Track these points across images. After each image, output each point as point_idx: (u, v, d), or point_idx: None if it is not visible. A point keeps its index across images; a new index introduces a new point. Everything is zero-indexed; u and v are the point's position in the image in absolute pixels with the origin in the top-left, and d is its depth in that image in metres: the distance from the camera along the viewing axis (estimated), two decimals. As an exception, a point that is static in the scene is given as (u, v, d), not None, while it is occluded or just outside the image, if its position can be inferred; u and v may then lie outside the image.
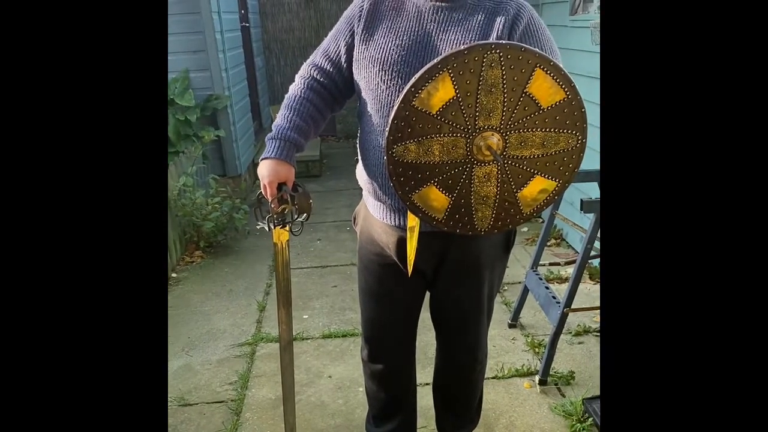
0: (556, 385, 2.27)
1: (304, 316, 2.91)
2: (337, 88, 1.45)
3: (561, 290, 2.42)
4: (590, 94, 3.21)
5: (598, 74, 2.66)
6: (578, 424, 2.02)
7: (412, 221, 1.34)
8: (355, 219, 1.64)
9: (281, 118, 1.42)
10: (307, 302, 3.04)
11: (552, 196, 1.29)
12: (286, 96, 1.45)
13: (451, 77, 1.15)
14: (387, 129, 1.19)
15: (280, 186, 1.40)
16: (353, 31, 1.36)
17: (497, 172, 1.24)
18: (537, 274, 2.52)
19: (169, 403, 2.27)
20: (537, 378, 2.26)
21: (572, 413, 2.07)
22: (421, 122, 1.18)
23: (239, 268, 3.52)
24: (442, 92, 1.16)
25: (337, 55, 1.40)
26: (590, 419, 2.02)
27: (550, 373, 2.28)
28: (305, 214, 1.44)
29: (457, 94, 1.16)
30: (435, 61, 1.15)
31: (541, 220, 4.00)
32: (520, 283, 2.85)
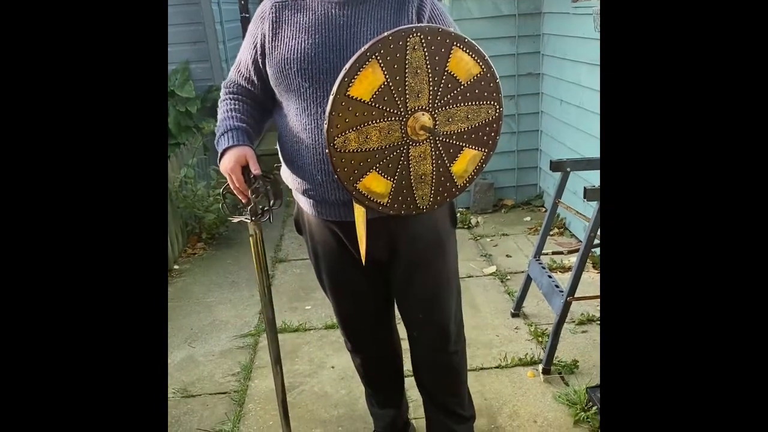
0: (559, 374, 2.27)
1: (307, 307, 2.91)
2: (259, 98, 1.49)
3: (564, 279, 2.40)
4: (594, 81, 3.20)
5: (601, 61, 2.63)
6: (582, 413, 2.01)
7: (358, 210, 1.36)
8: (298, 226, 1.64)
9: (221, 120, 1.45)
10: (309, 293, 3.04)
11: (480, 165, 1.38)
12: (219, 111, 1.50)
13: (380, 63, 1.20)
14: (326, 122, 1.21)
15: (246, 173, 1.38)
16: (257, 45, 1.40)
17: (431, 150, 1.31)
18: (540, 263, 2.51)
19: (172, 395, 2.28)
20: (540, 367, 2.26)
21: (576, 402, 2.06)
22: (357, 111, 1.23)
23: (241, 260, 3.52)
24: (373, 78, 1.21)
25: (248, 71, 1.45)
26: (594, 408, 2.01)
27: (554, 362, 2.27)
28: (279, 200, 1.44)
29: (387, 79, 1.22)
30: (363, 48, 1.19)
31: (544, 209, 3.99)
32: (523, 272, 2.84)
